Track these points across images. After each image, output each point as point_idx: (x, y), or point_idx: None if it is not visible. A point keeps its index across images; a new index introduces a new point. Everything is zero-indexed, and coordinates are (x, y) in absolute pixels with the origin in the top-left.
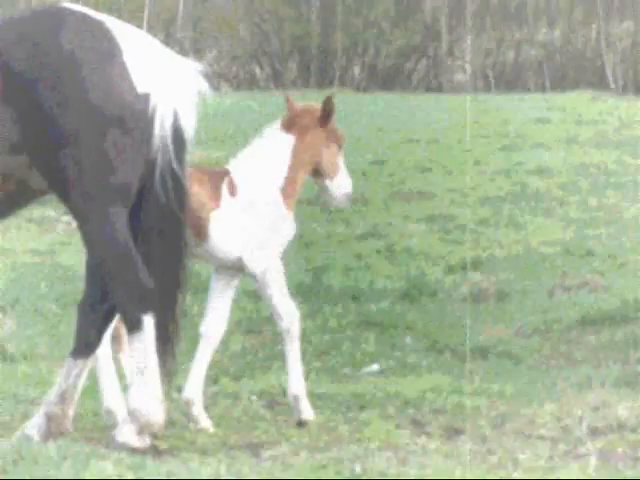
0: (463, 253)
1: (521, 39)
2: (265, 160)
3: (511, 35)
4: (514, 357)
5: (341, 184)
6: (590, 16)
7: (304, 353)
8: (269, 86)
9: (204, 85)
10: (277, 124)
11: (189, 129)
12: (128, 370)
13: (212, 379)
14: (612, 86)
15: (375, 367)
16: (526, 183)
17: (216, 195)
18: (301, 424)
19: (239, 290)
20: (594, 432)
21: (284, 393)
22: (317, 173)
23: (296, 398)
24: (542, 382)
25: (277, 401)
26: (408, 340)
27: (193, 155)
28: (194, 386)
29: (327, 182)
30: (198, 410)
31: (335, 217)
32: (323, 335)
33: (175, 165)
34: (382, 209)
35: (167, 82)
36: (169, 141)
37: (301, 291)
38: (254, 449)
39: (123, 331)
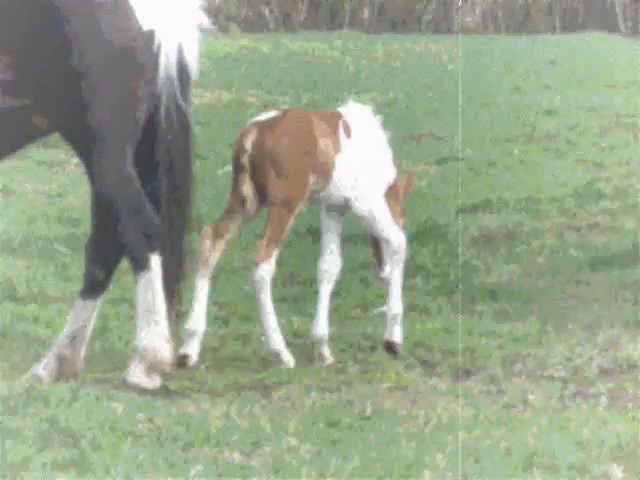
0: (473, 195)
1: None
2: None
3: None
4: (524, 298)
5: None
6: None
7: (314, 295)
8: (279, 28)
9: (206, 20)
10: None
11: (193, 64)
12: (137, 308)
13: (222, 320)
14: (622, 27)
15: (385, 308)
16: (536, 124)
17: (337, 139)
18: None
19: (246, 233)
20: (604, 372)
21: (294, 333)
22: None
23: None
24: (552, 323)
25: (288, 342)
26: (419, 281)
27: (205, 98)
28: (322, 324)
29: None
30: (325, 348)
31: None
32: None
33: (181, 101)
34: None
35: (170, 17)
36: (174, 77)
37: (311, 231)
38: (264, 390)
39: (212, 260)
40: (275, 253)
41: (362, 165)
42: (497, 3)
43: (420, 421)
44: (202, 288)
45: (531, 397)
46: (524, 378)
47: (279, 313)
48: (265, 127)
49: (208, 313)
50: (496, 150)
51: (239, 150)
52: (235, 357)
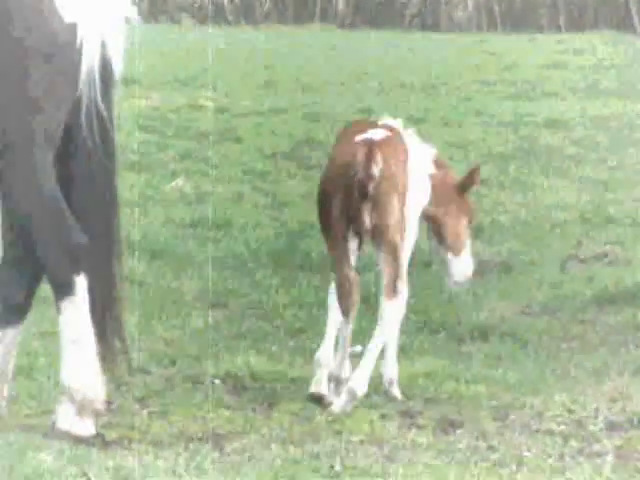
0: None
1: None
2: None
3: None
4: (520, 339)
5: (464, 262)
6: None
7: (277, 330)
8: (239, 21)
9: (133, 12)
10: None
11: (118, 62)
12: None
13: (169, 359)
14: (637, 27)
15: (359, 348)
16: (536, 138)
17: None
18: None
19: (202, 257)
20: (611, 427)
21: (252, 376)
22: (443, 240)
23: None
24: (552, 368)
25: (244, 386)
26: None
27: (152, 100)
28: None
29: (449, 256)
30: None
31: (313, 174)
32: (299, 310)
33: (101, 103)
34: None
35: (94, 10)
36: (96, 76)
37: (274, 259)
38: (217, 441)
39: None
40: (407, 287)
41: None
42: None
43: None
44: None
45: (526, 454)
46: (519, 432)
47: (234, 351)
48: (377, 148)
49: (151, 351)
50: (489, 166)
51: (365, 177)
52: (183, 402)
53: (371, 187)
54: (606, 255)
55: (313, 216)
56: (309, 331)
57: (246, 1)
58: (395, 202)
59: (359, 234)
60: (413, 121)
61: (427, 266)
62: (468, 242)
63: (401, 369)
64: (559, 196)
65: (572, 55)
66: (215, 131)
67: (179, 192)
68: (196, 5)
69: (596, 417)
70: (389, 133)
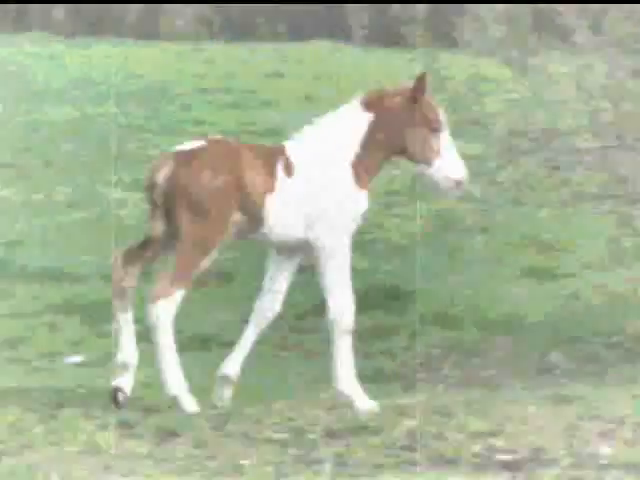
0: None
1: None
2: (334, 136)
3: None
4: None
5: (442, 169)
6: None
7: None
8: None
9: None
10: (358, 101)
11: None
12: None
13: None
14: (356, 36)
15: (77, 358)
16: None
17: (270, 177)
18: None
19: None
20: (330, 435)
21: None
22: (411, 158)
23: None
24: (271, 377)
25: None
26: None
27: None
28: (233, 363)
29: (423, 167)
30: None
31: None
32: (16, 320)
33: None
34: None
35: None
36: None
37: None
38: None
39: (132, 293)
40: (180, 294)
41: (315, 204)
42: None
43: None
44: (126, 322)
45: (245, 462)
46: (238, 440)
47: None
48: (182, 159)
49: None
50: None
51: (150, 184)
52: None
53: (155, 194)
54: None
55: (30, 225)
56: (26, 340)
57: None
58: (186, 213)
59: (150, 241)
60: (134, 128)
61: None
62: (446, 149)
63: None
64: None
65: (291, 64)
66: None
67: None
68: None
69: (315, 425)
70: (203, 144)
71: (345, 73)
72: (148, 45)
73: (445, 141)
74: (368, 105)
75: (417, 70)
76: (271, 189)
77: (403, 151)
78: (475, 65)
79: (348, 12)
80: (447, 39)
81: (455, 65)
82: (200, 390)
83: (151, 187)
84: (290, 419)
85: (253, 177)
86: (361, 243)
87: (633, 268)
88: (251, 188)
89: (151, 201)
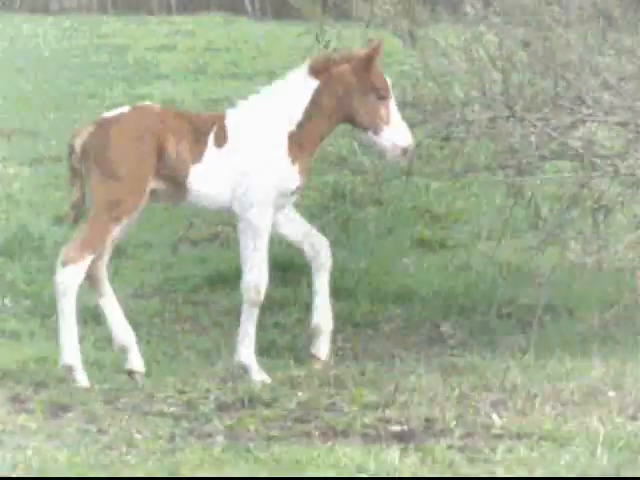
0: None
1: None
2: (276, 103)
3: None
4: (132, 321)
5: (389, 137)
6: None
7: None
8: None
9: None
10: (305, 67)
11: None
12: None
13: None
14: (248, 9)
15: None
16: None
17: (197, 148)
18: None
19: None
20: (222, 407)
21: None
22: (359, 126)
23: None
24: (163, 350)
25: None
26: (7, 302)
27: None
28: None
29: (371, 135)
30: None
31: None
32: None
33: None
34: None
35: None
36: None
37: None
38: None
39: (102, 274)
40: (88, 259)
41: (245, 173)
42: None
43: (7, 465)
44: (107, 307)
45: (137, 436)
46: (129, 414)
47: None
48: (101, 125)
49: None
50: None
51: (70, 149)
52: None
53: (73, 159)
54: (217, 236)
55: None
56: None
57: None
58: (97, 175)
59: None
60: (20, 102)
61: (39, 250)
62: (392, 116)
63: (12, 354)
64: None
65: (182, 37)
66: None
67: None
68: None
69: (207, 398)
70: (124, 111)
71: (236, 46)
72: (39, 20)
73: (392, 108)
74: (315, 72)
75: (308, 42)
76: (198, 159)
77: (349, 119)
78: (365, 37)
79: None
80: (337, 11)
81: (346, 37)
82: (94, 361)
83: (70, 152)
84: (182, 392)
85: (176, 146)
86: None
87: (524, 238)
88: (172, 157)
89: (70, 167)
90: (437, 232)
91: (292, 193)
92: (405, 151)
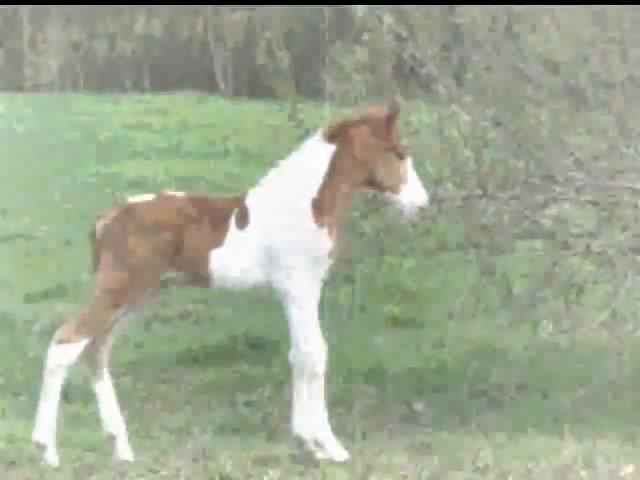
0: (46, 279)
1: (115, 31)
2: (295, 174)
3: (104, 26)
4: None
5: (408, 196)
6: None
7: None
8: None
9: None
10: (319, 134)
11: None
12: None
13: None
14: (222, 87)
15: None
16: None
17: (218, 232)
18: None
19: None
20: None
21: None
22: (378, 187)
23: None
24: (134, 429)
25: None
26: None
27: None
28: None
29: (389, 195)
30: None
31: None
32: None
33: None
34: None
35: None
36: None
37: None
38: None
39: (103, 359)
40: (83, 341)
41: (270, 247)
42: (76, 56)
43: None
44: (102, 393)
45: None
46: None
47: None
48: (123, 211)
49: None
50: (73, 226)
51: (91, 232)
52: None
53: (94, 243)
54: (190, 314)
55: None
56: None
57: None
58: (107, 259)
59: None
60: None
61: (10, 328)
62: (410, 175)
63: None
64: None
65: (156, 115)
66: None
67: None
68: None
69: (178, 477)
70: (148, 199)
71: (210, 123)
72: (12, 97)
73: (409, 167)
74: (330, 137)
75: (281, 121)
76: (219, 244)
77: (370, 180)
78: (338, 115)
79: (214, 64)
80: (310, 89)
81: (318, 115)
82: (65, 440)
83: (91, 236)
84: (153, 471)
85: (194, 236)
86: (224, 293)
87: (496, 317)
88: (191, 247)
89: (92, 253)
90: (409, 310)
91: (327, 257)
92: (422, 209)
